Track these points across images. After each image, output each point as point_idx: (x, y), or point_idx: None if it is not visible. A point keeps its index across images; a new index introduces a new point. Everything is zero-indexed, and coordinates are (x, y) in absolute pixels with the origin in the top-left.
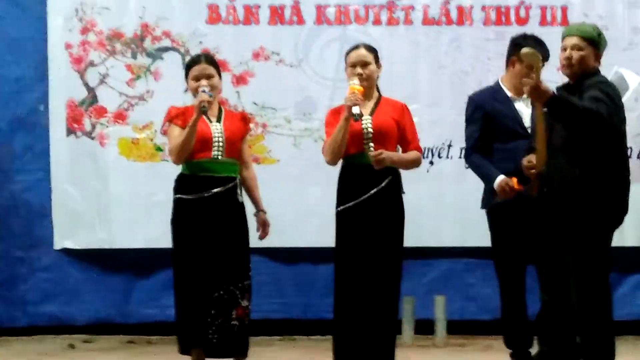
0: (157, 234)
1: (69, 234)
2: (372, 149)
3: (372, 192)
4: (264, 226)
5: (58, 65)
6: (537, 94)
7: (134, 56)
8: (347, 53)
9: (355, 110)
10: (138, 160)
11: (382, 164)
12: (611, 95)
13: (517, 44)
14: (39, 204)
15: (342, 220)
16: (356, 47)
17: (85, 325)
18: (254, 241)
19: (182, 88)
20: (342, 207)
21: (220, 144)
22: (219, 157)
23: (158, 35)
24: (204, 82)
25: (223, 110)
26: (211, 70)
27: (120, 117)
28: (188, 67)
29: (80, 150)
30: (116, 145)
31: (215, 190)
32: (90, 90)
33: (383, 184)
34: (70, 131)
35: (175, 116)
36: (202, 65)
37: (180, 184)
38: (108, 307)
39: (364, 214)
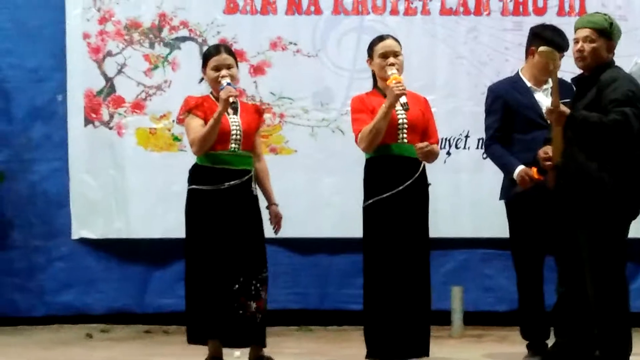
0: (174, 224)
1: (87, 223)
2: (405, 140)
3: (407, 184)
4: (277, 219)
5: (76, 55)
6: (556, 117)
7: (152, 46)
8: (373, 44)
9: (404, 100)
10: (155, 150)
11: (428, 156)
12: (634, 92)
13: (536, 33)
14: (56, 193)
15: (374, 212)
16: (382, 37)
17: (102, 315)
18: (270, 232)
19: (199, 78)
20: (373, 199)
21: (238, 136)
22: (237, 149)
23: (176, 25)
24: (224, 72)
25: (238, 102)
26: (231, 60)
27: (138, 107)
28: (206, 57)
29: (98, 140)
30: (134, 135)
31: (231, 182)
32: (108, 80)
33: (416, 176)
34: (88, 121)
35: (195, 106)
36: (222, 55)
37: (196, 175)
38: (125, 296)
39: (397, 206)
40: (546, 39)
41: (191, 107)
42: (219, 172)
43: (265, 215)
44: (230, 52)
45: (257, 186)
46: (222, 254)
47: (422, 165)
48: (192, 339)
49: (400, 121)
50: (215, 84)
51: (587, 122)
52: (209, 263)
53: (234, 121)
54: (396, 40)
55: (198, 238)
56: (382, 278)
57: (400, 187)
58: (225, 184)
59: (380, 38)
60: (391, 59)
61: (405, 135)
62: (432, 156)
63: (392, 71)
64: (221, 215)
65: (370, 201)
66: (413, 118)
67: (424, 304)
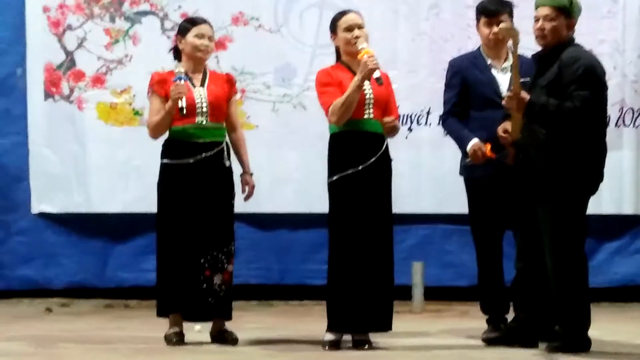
0: (135, 198)
1: (47, 197)
2: (372, 115)
3: (373, 159)
4: (249, 187)
5: (36, 29)
6: (515, 104)
7: (113, 20)
8: (336, 20)
9: (377, 74)
10: (116, 125)
11: (395, 132)
12: (594, 73)
13: (477, 9)
14: (16, 167)
15: (339, 188)
16: (344, 12)
17: (62, 289)
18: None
19: (161, 52)
20: (339, 175)
21: (204, 109)
22: (204, 122)
23: None
24: (206, 41)
25: (208, 72)
26: (211, 32)
27: (98, 81)
28: (191, 25)
29: (58, 114)
30: (94, 109)
31: (200, 156)
32: (69, 54)
33: (381, 152)
34: (48, 95)
35: (157, 83)
36: (207, 26)
37: (167, 149)
38: (85, 271)
39: (362, 182)
40: (480, 11)
41: (153, 84)
42: (189, 145)
43: (239, 187)
44: (210, 25)
45: (230, 157)
46: (189, 227)
47: (386, 141)
48: (160, 313)
49: (368, 96)
50: (197, 52)
51: (546, 110)
52: (178, 237)
53: (199, 94)
54: (359, 13)
55: (169, 212)
56: (346, 253)
57: (367, 163)
58: (194, 157)
59: (343, 13)
60: (357, 32)
61: (372, 111)
62: (395, 131)
63: (362, 45)
64: (191, 189)
65: (335, 177)
66: (378, 93)
67: (387, 278)
